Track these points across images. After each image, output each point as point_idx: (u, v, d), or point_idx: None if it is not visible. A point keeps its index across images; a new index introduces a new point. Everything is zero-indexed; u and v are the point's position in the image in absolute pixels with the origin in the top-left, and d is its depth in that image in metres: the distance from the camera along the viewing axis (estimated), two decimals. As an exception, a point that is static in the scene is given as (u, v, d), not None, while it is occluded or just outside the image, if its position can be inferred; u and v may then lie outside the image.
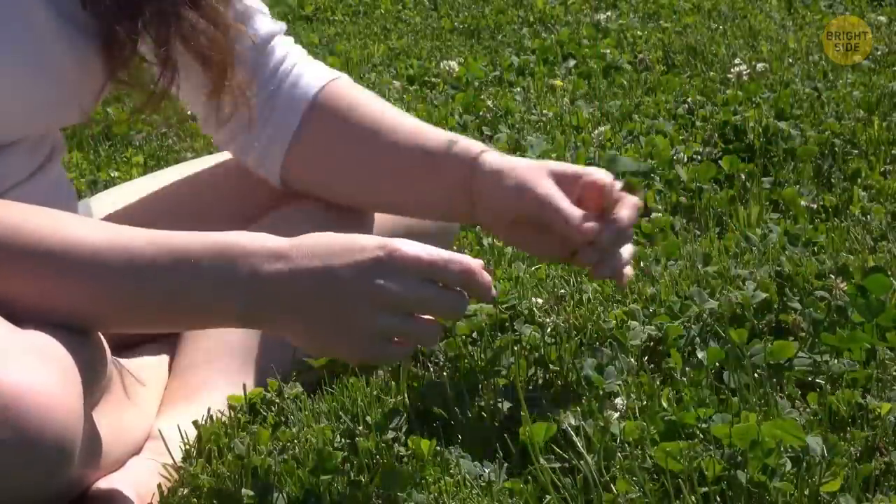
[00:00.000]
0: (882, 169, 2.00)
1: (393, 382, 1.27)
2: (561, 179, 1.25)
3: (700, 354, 1.32)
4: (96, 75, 1.23)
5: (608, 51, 3.03)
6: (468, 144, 1.30)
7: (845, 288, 1.39)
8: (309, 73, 1.39)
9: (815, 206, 1.85)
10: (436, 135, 1.33)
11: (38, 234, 1.02)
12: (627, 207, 1.25)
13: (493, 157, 1.28)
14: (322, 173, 1.38)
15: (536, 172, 1.25)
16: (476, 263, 1.08)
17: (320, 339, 1.07)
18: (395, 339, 1.07)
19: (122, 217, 1.45)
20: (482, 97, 2.62)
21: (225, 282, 1.03)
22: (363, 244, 1.05)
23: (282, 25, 1.40)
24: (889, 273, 1.41)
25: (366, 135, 1.35)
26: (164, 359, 1.35)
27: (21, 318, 0.98)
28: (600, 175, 1.26)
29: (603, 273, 1.25)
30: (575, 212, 1.23)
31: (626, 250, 1.26)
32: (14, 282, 1.01)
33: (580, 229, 1.22)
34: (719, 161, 2.04)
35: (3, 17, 1.14)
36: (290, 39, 1.41)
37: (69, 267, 1.02)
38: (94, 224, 1.07)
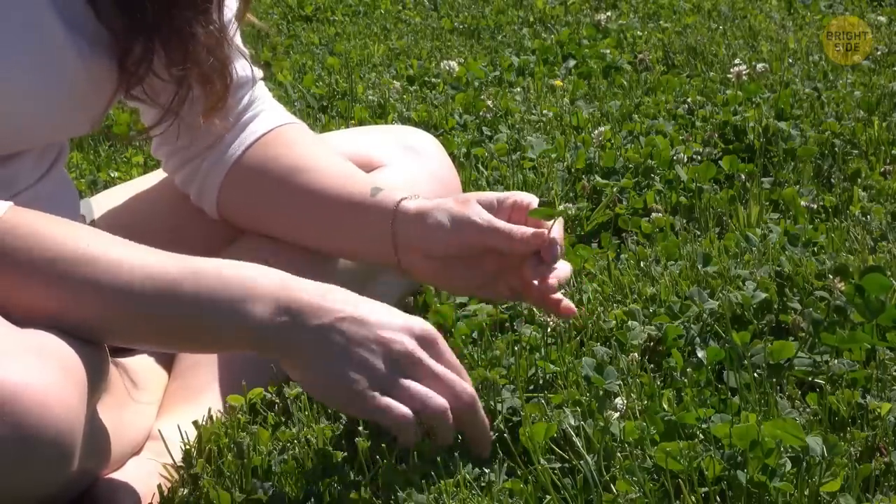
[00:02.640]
0: (882, 169, 2.00)
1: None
2: (487, 206, 1.27)
3: (700, 354, 1.32)
4: (107, 88, 1.24)
5: (608, 51, 3.03)
6: (390, 193, 1.31)
7: (843, 287, 1.39)
8: (261, 117, 1.40)
9: (815, 206, 1.85)
10: (361, 184, 1.33)
11: (65, 247, 1.02)
12: (556, 225, 1.26)
13: (413, 202, 1.29)
14: (250, 213, 1.39)
15: (465, 204, 1.27)
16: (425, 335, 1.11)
17: (316, 392, 1.11)
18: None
19: (122, 213, 1.45)
20: (482, 97, 2.62)
21: (230, 335, 1.06)
22: (363, 359, 1.07)
23: (258, 72, 1.41)
24: (888, 273, 1.41)
25: (290, 181, 1.36)
26: (164, 360, 1.35)
27: (31, 325, 0.98)
28: (523, 196, 1.28)
29: (551, 287, 1.25)
30: (515, 227, 1.25)
31: (563, 268, 1.27)
32: (33, 291, 1.01)
33: (524, 238, 1.24)
34: (719, 161, 2.04)
35: (17, 28, 1.15)
36: (262, 84, 1.42)
37: (91, 284, 1.02)
38: (121, 243, 1.07)
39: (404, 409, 1.07)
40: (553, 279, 1.24)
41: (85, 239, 1.04)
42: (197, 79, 1.27)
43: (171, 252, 1.07)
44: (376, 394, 1.07)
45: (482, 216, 1.25)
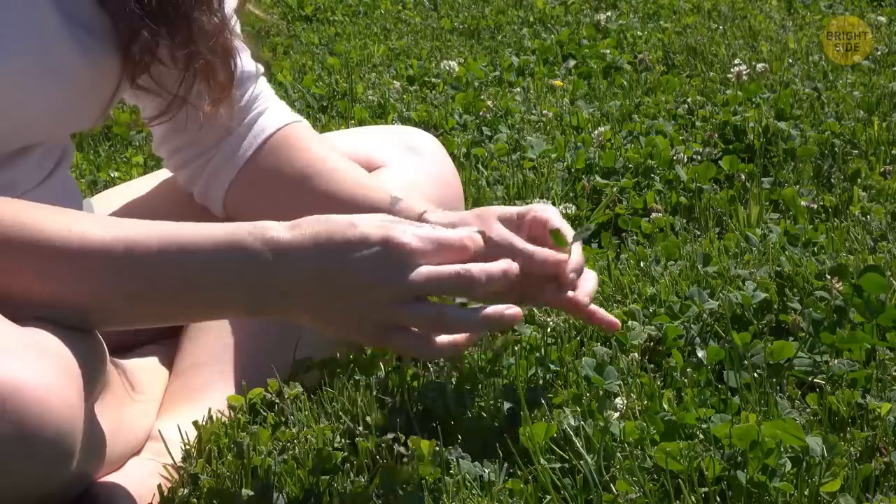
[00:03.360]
0: (882, 169, 2.00)
1: (392, 383, 1.27)
2: (508, 222, 1.26)
3: (700, 354, 1.32)
4: (110, 79, 1.24)
5: (608, 51, 3.03)
6: (411, 204, 1.30)
7: (840, 287, 1.39)
8: (267, 114, 1.40)
9: (815, 206, 1.86)
10: (378, 191, 1.33)
11: (49, 231, 1.02)
12: (575, 248, 1.24)
13: (435, 217, 1.28)
14: (260, 213, 1.38)
15: (484, 221, 1.25)
16: (465, 239, 1.09)
17: (332, 328, 1.10)
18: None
19: (122, 215, 1.45)
20: (482, 97, 2.62)
21: (231, 278, 1.04)
22: (363, 236, 1.05)
23: (260, 67, 1.41)
24: (888, 272, 1.41)
25: (307, 184, 1.35)
26: (164, 360, 1.36)
27: (27, 317, 0.98)
28: (542, 211, 1.26)
29: (580, 305, 1.23)
30: (535, 250, 1.22)
31: (588, 282, 1.25)
32: (24, 279, 1.01)
33: (543, 262, 1.22)
34: (719, 161, 2.04)
35: (17, 21, 1.15)
36: (264, 80, 1.42)
37: (80, 264, 1.02)
38: (104, 221, 1.07)
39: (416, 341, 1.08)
40: (583, 297, 1.22)
41: (77, 224, 1.04)
42: (201, 69, 1.27)
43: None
44: (391, 334, 1.08)
45: (502, 235, 1.24)
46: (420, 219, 1.28)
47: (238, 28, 1.35)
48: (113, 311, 1.05)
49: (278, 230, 1.05)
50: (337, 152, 1.39)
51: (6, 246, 1.00)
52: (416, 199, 1.32)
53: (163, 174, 1.50)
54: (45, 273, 1.01)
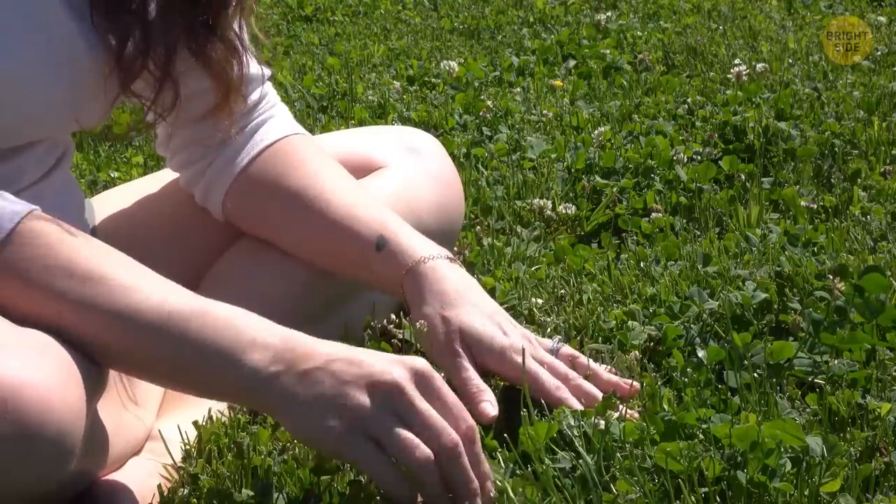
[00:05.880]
0: (882, 169, 2.00)
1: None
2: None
3: (700, 354, 1.32)
4: (112, 80, 1.23)
5: (608, 51, 3.03)
6: (399, 248, 1.29)
7: (842, 287, 1.39)
8: (269, 124, 1.39)
9: (815, 206, 1.86)
10: (367, 224, 1.31)
11: (70, 260, 1.01)
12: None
13: (443, 263, 1.28)
14: (255, 224, 1.38)
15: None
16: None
17: (301, 437, 1.06)
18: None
19: (124, 217, 1.45)
20: (482, 97, 2.62)
21: (220, 388, 1.04)
22: (351, 397, 1.01)
23: (267, 71, 1.40)
24: (888, 273, 1.41)
25: (296, 206, 1.35)
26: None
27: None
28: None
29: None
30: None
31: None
32: (32, 300, 1.00)
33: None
34: (719, 161, 2.04)
35: (25, 17, 1.15)
36: (270, 85, 1.42)
37: (92, 302, 1.00)
38: (127, 263, 1.05)
39: (382, 458, 1.00)
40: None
41: (98, 256, 1.03)
42: (206, 70, 1.27)
43: (182, 284, 1.05)
44: (359, 439, 1.00)
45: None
46: (420, 264, 1.27)
47: (245, 33, 1.35)
48: (113, 356, 1.02)
49: (291, 384, 1.01)
50: (332, 169, 1.38)
51: (30, 265, 0.99)
52: (410, 237, 1.30)
53: (162, 175, 1.50)
54: (58, 301, 0.99)
